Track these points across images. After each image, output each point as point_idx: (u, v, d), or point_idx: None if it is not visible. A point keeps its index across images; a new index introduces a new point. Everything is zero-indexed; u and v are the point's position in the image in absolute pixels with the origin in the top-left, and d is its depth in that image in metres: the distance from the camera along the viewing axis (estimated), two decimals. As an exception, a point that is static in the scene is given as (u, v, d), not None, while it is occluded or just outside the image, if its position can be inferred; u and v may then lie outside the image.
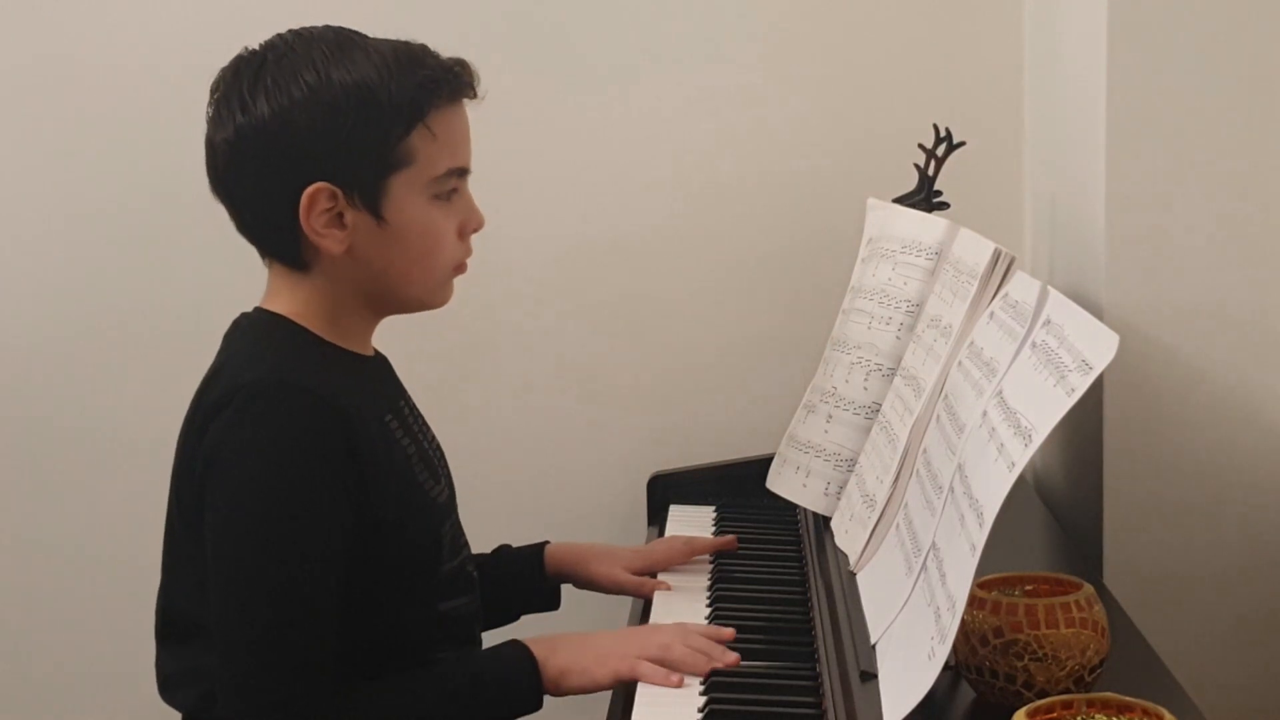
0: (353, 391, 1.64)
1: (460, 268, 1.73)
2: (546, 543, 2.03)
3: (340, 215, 1.64)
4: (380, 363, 1.79)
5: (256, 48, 1.68)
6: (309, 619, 1.57)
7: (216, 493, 1.60)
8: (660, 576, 2.01)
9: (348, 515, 1.60)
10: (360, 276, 1.68)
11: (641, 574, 2.01)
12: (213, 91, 1.68)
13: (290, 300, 1.69)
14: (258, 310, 1.72)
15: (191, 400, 1.67)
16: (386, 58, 1.65)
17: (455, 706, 1.63)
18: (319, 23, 1.71)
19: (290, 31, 1.69)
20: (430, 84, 1.65)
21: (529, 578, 2.00)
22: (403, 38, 1.70)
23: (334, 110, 1.62)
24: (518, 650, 1.68)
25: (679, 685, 1.64)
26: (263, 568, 1.57)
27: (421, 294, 1.72)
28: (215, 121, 1.67)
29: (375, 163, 1.64)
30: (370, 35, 1.69)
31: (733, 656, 1.68)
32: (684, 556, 2.05)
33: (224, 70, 1.68)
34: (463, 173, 1.71)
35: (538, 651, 1.68)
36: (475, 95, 1.70)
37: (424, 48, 1.68)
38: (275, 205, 1.64)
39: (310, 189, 1.62)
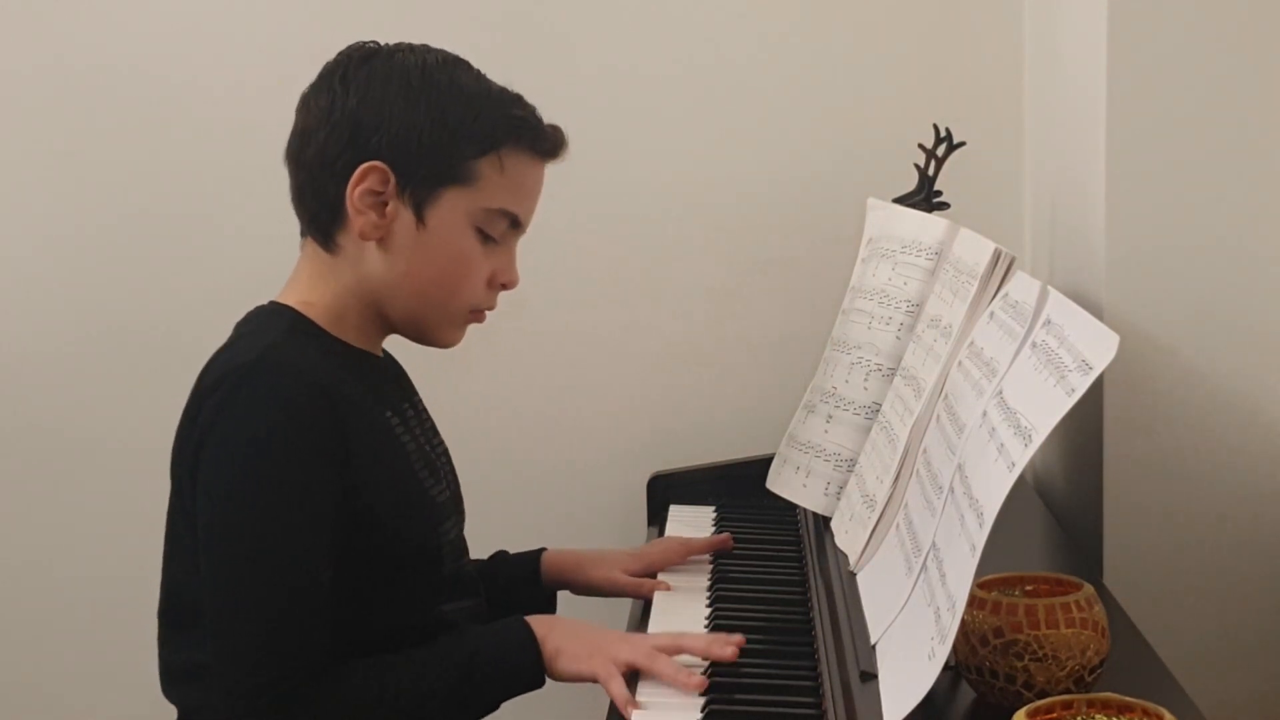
0: (348, 381, 1.65)
1: (478, 315, 1.76)
2: (543, 550, 2.02)
3: (385, 203, 1.67)
4: (388, 365, 1.80)
5: (371, 42, 1.73)
6: (300, 593, 1.58)
7: (208, 472, 1.61)
8: (659, 577, 2.01)
9: (336, 493, 1.61)
10: (381, 273, 1.69)
11: (639, 575, 2.01)
12: (326, 67, 1.73)
13: (309, 288, 1.71)
14: (270, 303, 1.74)
15: (192, 387, 1.68)
16: (490, 87, 1.72)
17: (456, 685, 1.63)
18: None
19: (417, 43, 1.74)
20: (519, 122, 1.71)
21: (524, 586, 1.99)
22: (424, 42, 1.74)
23: (421, 106, 1.67)
24: (518, 627, 1.68)
25: (634, 710, 1.59)
26: (252, 543, 1.58)
27: (433, 317, 1.73)
28: (315, 86, 1.72)
29: (438, 168, 1.68)
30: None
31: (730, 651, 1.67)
32: (680, 557, 2.05)
33: (345, 51, 1.73)
34: (516, 223, 1.75)
35: (538, 630, 1.68)
36: (557, 156, 1.75)
37: (525, 101, 1.74)
38: (331, 173, 1.68)
39: (366, 165, 1.66)
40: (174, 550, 1.70)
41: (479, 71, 1.73)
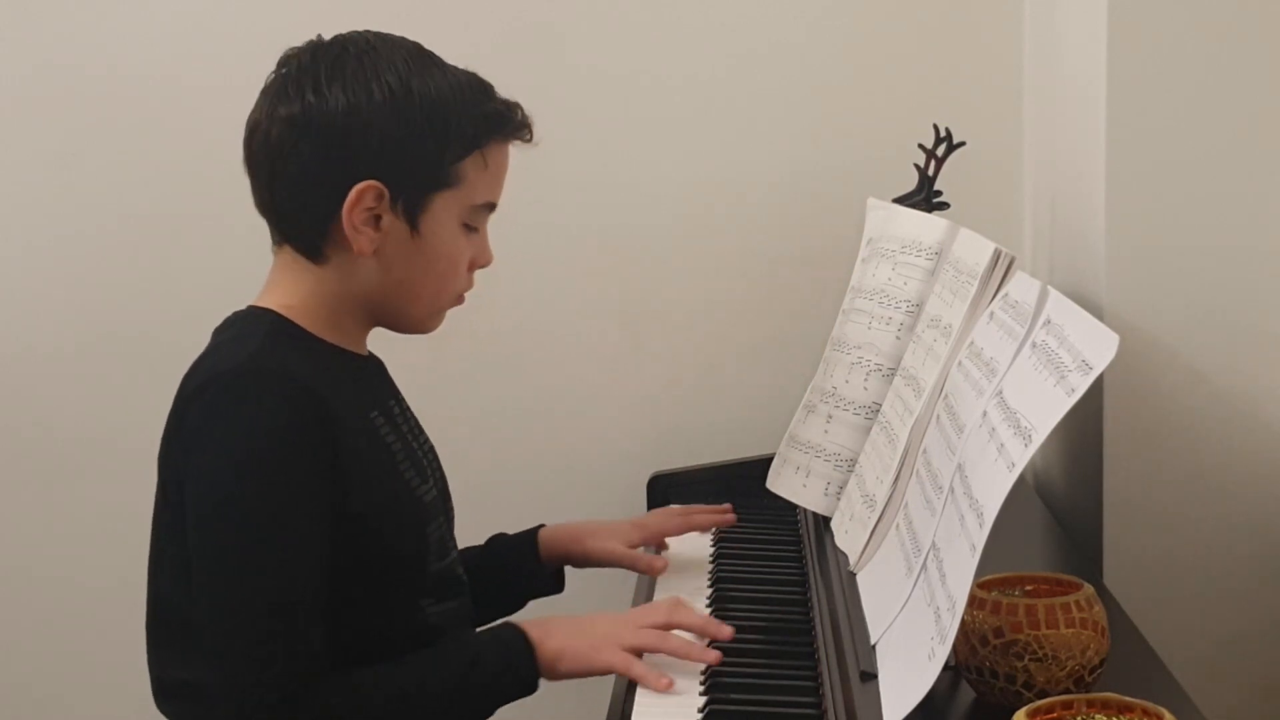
0: (334, 382, 1.64)
1: (459, 299, 1.76)
2: (540, 527, 2.02)
3: (378, 217, 1.66)
4: (372, 364, 1.79)
5: (331, 39, 1.69)
6: (297, 602, 1.56)
7: (197, 484, 1.59)
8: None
9: (327, 498, 1.59)
10: (374, 281, 1.69)
11: (639, 545, 2.02)
12: (280, 67, 1.69)
13: (289, 292, 1.70)
14: (249, 307, 1.72)
15: (175, 393, 1.66)
16: (461, 82, 1.70)
17: (451, 693, 1.63)
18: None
19: (369, 32, 1.71)
20: (496, 116, 1.71)
21: (523, 564, 1.99)
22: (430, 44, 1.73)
23: (407, 118, 1.65)
24: (513, 634, 1.67)
25: (668, 689, 1.64)
26: (243, 553, 1.56)
27: (422, 314, 1.74)
28: (279, 95, 1.67)
29: (428, 176, 1.67)
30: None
31: (714, 654, 1.69)
32: (680, 526, 2.07)
33: (297, 51, 1.69)
34: (493, 208, 1.74)
35: (533, 634, 1.67)
36: (531, 139, 1.75)
37: (489, 84, 1.73)
38: (320, 192, 1.65)
39: (361, 185, 1.64)
40: (160, 562, 1.68)
41: (442, 62, 1.71)
